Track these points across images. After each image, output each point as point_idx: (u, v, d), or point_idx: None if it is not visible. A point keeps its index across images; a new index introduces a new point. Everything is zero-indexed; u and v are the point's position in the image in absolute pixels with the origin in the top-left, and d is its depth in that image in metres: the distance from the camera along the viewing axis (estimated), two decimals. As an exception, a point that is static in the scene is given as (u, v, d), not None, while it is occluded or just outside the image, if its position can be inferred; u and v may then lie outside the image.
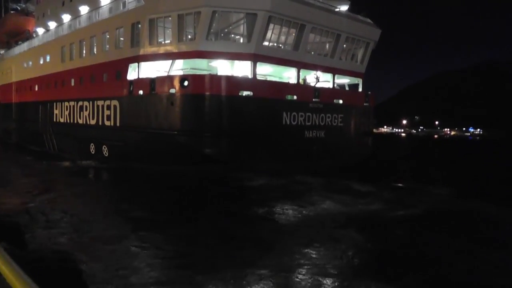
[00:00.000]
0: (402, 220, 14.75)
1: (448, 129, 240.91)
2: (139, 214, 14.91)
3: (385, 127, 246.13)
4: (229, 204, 17.01)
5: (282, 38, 25.53)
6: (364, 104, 31.21)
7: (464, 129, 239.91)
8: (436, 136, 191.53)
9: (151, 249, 10.83)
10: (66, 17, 37.63)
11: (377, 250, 11.47)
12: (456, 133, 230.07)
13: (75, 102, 32.63)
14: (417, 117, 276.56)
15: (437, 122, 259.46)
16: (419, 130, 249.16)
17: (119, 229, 12.77)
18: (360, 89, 32.36)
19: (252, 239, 12.00)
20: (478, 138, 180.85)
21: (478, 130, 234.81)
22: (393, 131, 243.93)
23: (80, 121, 31.97)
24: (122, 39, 27.65)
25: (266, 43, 24.50)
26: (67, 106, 34.19)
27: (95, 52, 30.64)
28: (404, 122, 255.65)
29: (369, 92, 32.14)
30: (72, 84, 33.39)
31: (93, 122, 30.19)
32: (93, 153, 30.23)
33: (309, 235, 12.37)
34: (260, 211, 15.71)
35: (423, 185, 23.41)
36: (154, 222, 13.72)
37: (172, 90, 23.16)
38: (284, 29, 25.17)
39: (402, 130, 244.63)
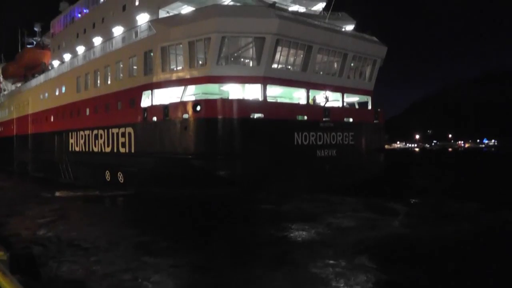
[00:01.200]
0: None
1: (462, 142, 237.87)
2: (153, 241, 14.91)
3: (398, 142, 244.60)
4: (243, 227, 17.07)
5: (291, 59, 26.11)
6: (374, 121, 31.42)
7: (478, 140, 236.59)
8: (450, 149, 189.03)
9: (165, 278, 10.87)
10: (81, 49, 39.14)
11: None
12: (470, 145, 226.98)
13: (90, 131, 33.50)
14: (430, 131, 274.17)
15: (450, 135, 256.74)
16: (433, 144, 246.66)
17: (132, 258, 12.78)
18: (369, 107, 32.65)
19: (267, 265, 11.93)
20: (493, 149, 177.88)
21: (493, 141, 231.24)
22: (406, 146, 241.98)
23: (96, 149, 32.73)
24: (135, 67, 28.60)
25: (275, 65, 25.10)
26: (82, 135, 35.08)
27: (109, 81, 31.67)
28: (417, 136, 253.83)
29: (379, 109, 32.36)
30: (87, 113, 34.38)
31: (108, 149, 30.89)
32: (108, 180, 30.80)
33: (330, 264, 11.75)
34: (275, 234, 15.70)
35: (445, 199, 23.21)
36: (168, 250, 13.75)
37: (185, 115, 23.75)
38: (292, 51, 25.79)
39: (416, 145, 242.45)
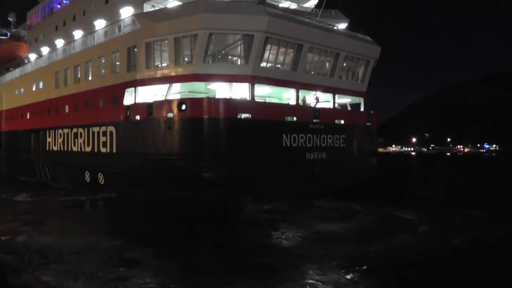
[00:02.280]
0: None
1: (462, 146, 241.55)
2: (132, 247, 14.92)
3: (393, 146, 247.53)
4: (228, 232, 17.62)
5: (280, 58, 26.83)
6: (367, 123, 32.28)
7: (478, 145, 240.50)
8: (448, 153, 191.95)
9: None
10: (60, 42, 39.29)
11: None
12: (470, 149, 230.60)
13: (70, 129, 33.77)
14: (427, 134, 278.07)
15: (449, 139, 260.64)
16: (430, 148, 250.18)
17: (111, 267, 12.75)
18: (362, 109, 33.53)
19: (254, 271, 12.33)
20: (494, 154, 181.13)
21: (494, 146, 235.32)
22: (402, 150, 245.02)
23: (75, 149, 33.02)
24: (118, 63, 29.04)
25: (263, 64, 25.77)
26: (61, 134, 35.30)
27: (91, 77, 32.02)
28: (414, 140, 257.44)
29: (372, 111, 33.24)
30: (67, 110, 34.63)
31: (88, 149, 31.23)
32: (88, 181, 31.12)
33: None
34: (260, 239, 16.22)
35: (449, 208, 23.66)
36: (148, 259, 13.74)
37: (170, 114, 24.29)
38: (282, 50, 26.49)
39: (412, 149, 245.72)
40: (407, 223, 19.74)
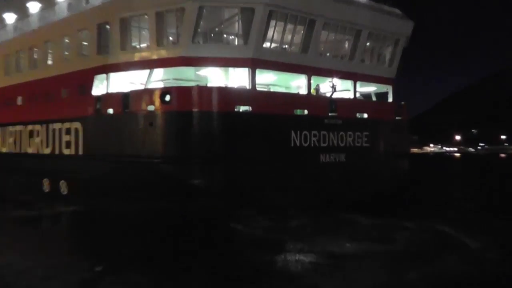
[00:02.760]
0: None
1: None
2: (104, 277, 15.37)
3: (431, 145, 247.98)
4: (222, 259, 17.77)
5: (287, 37, 27.58)
6: (396, 117, 33.11)
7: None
8: (503, 155, 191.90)
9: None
10: (10, 17, 39.80)
11: None
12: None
13: (24, 126, 34.53)
14: (475, 131, 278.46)
15: (503, 137, 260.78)
16: (479, 147, 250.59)
17: None
18: (390, 99, 34.40)
19: None
20: None
21: None
22: (442, 150, 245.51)
23: (30, 150, 33.82)
24: (85, 44, 29.81)
25: (267, 45, 26.54)
26: (11, 132, 36.02)
27: (51, 61, 32.84)
28: (457, 138, 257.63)
29: (402, 103, 34.10)
30: (20, 103, 35.40)
31: (47, 150, 32.06)
32: (47, 191, 31.92)
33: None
34: (261, 267, 16.51)
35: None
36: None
37: (151, 107, 25.06)
38: (290, 26, 27.22)
39: (456, 149, 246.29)
40: (457, 242, 20.19)
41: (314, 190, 26.36)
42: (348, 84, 31.31)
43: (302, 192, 25.78)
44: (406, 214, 25.33)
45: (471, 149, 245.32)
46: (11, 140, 36.24)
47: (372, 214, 24.70)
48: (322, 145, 27.73)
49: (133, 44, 27.26)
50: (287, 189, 25.15)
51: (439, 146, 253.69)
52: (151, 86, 26.44)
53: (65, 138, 30.33)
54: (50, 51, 33.17)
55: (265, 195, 24.11)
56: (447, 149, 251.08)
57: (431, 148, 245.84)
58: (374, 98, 35.80)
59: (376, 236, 21.08)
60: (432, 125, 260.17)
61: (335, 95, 29.59)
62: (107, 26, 27.93)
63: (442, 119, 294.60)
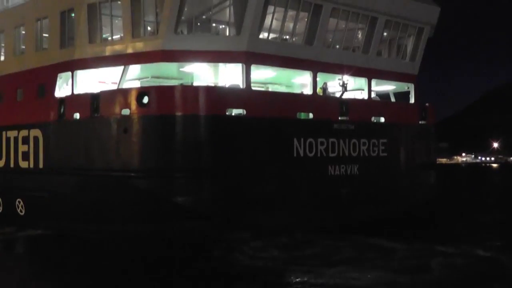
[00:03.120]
0: None
1: None
2: None
3: (463, 154, 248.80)
4: None
5: (289, 26, 27.79)
6: (420, 122, 33.40)
7: None
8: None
9: None
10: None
11: None
12: None
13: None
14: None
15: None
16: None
17: None
18: (412, 100, 34.64)
19: None
20: None
21: None
22: (477, 160, 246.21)
23: (-21, 163, 33.64)
24: (46, 35, 29.84)
25: (264, 35, 26.73)
26: None
27: (2, 57, 32.83)
28: (495, 145, 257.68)
29: (427, 104, 34.37)
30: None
31: (0, 163, 32.00)
32: None
33: None
34: None
35: None
36: None
37: (126, 111, 25.13)
38: (291, 13, 27.45)
39: (493, 158, 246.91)
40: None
41: (321, 209, 26.54)
42: (362, 82, 31.61)
43: (306, 211, 25.98)
44: (436, 236, 25.56)
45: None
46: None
47: (393, 238, 24.65)
48: (331, 155, 27.94)
49: (104, 35, 27.40)
50: (289, 207, 25.36)
51: (472, 155, 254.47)
52: (125, 85, 26.58)
53: (22, 148, 30.31)
54: (2, 44, 33.26)
55: (262, 215, 24.22)
56: (483, 158, 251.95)
57: (463, 158, 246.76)
58: (393, 99, 36.12)
59: (408, 264, 20.87)
60: (465, 130, 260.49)
61: (346, 96, 29.87)
62: (72, 14, 28.00)
63: (476, 123, 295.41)
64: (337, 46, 30.31)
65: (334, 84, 30.27)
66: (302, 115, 27.72)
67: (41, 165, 29.11)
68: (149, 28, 26.55)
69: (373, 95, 32.61)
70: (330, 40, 29.83)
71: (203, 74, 27.38)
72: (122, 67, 26.51)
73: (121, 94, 25.80)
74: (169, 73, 27.86)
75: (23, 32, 31.58)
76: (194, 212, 24.01)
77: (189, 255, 22.61)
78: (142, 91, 25.05)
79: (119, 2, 26.48)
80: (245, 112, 25.42)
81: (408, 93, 34.94)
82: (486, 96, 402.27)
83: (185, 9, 25.72)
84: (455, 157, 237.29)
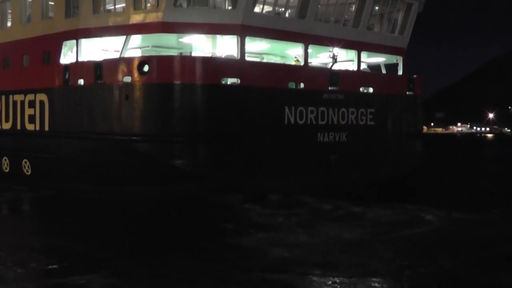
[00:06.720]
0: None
1: None
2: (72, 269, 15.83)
3: (459, 124, 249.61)
4: (206, 253, 18.04)
5: (282, 0, 28.96)
6: (408, 92, 34.89)
7: None
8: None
9: None
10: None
11: None
12: None
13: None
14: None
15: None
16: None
17: None
18: (400, 72, 36.06)
19: None
20: None
21: None
22: (472, 130, 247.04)
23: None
24: (52, 3, 30.90)
25: (258, 9, 28.00)
26: None
27: (9, 24, 33.79)
28: (491, 116, 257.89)
29: (415, 76, 35.82)
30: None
31: (7, 126, 33.59)
32: (6, 171, 33.58)
33: None
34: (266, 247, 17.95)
35: None
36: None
37: (127, 78, 26.52)
38: (285, -13, 28.54)
39: (488, 129, 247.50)
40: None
41: (310, 173, 28.12)
42: (352, 54, 32.90)
43: (296, 175, 27.57)
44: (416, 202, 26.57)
45: (507, 129, 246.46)
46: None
47: (381, 201, 26.10)
48: (321, 123, 29.43)
49: (108, 6, 28.54)
50: (279, 171, 26.96)
51: (467, 126, 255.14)
52: (127, 54, 27.80)
53: (28, 111, 31.70)
54: (8, 11, 34.22)
55: (254, 178, 25.87)
56: (478, 128, 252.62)
57: (459, 128, 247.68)
58: (384, 70, 37.56)
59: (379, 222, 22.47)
60: (461, 101, 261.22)
61: (336, 66, 31.15)
62: (77, -15, 29.03)
63: (471, 94, 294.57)
64: (330, 19, 31.52)
65: (325, 56, 31.68)
66: (294, 85, 29.08)
67: (46, 128, 30.64)
68: (150, 1, 27.55)
69: (364, 66, 34.00)
70: (322, 13, 30.97)
71: (201, 45, 28.69)
72: (124, 37, 27.77)
73: (123, 62, 27.17)
74: (169, 43, 29.08)
75: (29, 0, 32.63)
76: (190, 175, 25.61)
77: (183, 214, 23.94)
78: (143, 60, 26.47)
79: (121, -26, 27.65)
80: (239, 81, 26.83)
81: (396, 65, 36.34)
82: (483, 67, 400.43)
83: (184, -18, 26.89)
84: (451, 127, 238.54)
